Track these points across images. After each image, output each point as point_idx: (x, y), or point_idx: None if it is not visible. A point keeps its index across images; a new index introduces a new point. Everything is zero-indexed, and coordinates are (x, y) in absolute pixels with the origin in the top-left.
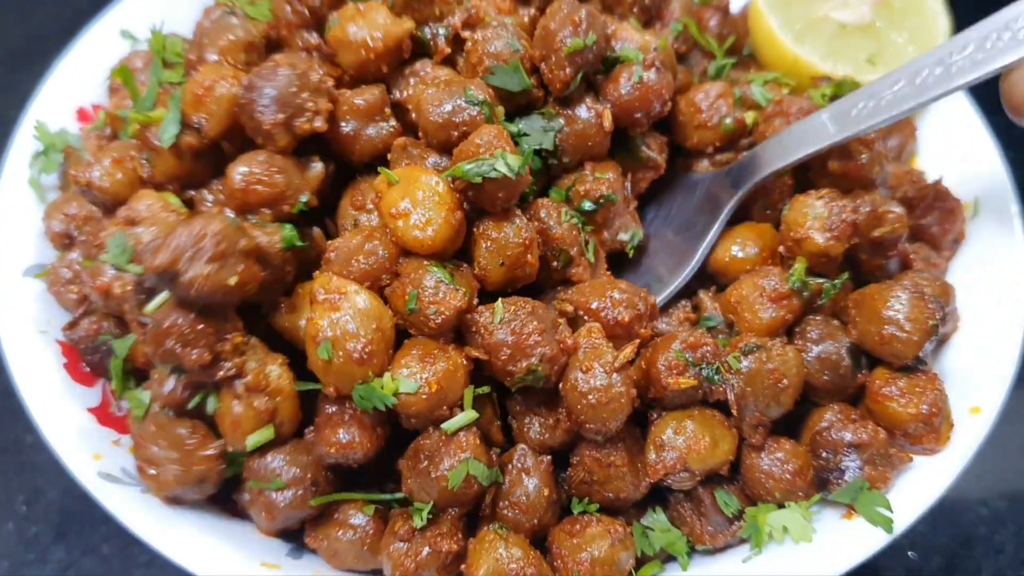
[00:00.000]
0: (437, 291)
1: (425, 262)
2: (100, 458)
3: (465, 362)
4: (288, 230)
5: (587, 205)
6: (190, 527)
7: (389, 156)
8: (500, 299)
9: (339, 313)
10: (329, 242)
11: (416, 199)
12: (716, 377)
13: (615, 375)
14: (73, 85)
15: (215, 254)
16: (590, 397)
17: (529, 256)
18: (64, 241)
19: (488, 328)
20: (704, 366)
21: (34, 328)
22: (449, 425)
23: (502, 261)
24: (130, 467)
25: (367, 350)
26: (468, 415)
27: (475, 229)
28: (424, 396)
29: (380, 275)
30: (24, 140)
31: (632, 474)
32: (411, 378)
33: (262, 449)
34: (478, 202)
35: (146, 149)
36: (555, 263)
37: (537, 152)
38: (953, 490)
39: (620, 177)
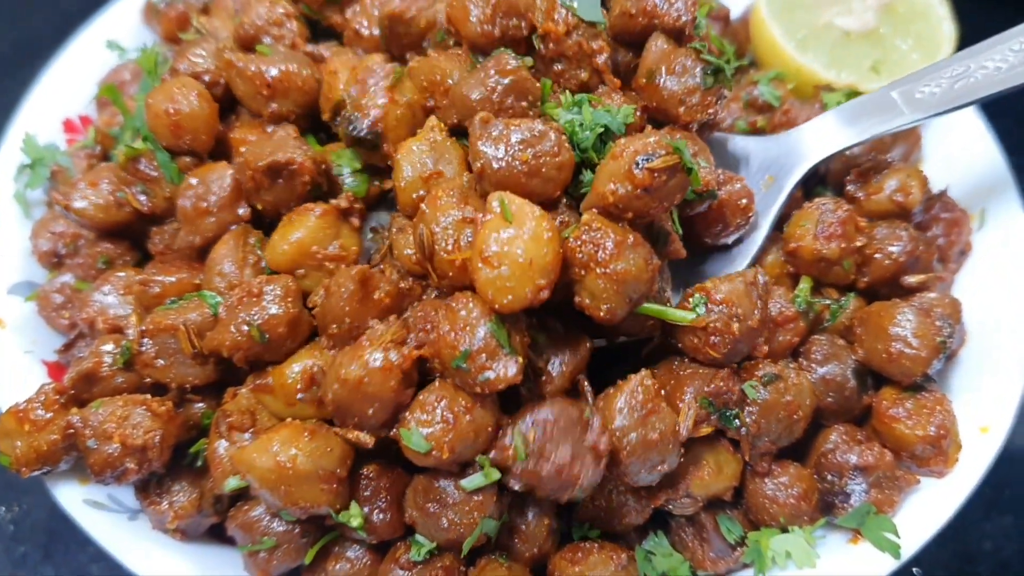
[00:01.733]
0: (493, 355)
1: (485, 319)
2: (87, 483)
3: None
4: None
5: None
6: (177, 556)
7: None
8: (524, 422)
9: None
10: None
11: (516, 254)
12: (735, 422)
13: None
14: (60, 96)
15: None
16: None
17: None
18: (52, 260)
19: (517, 462)
20: (726, 410)
21: (19, 348)
22: (469, 483)
23: (630, 298)
24: (117, 494)
25: None
26: (490, 475)
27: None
28: (434, 455)
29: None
30: (9, 152)
31: (635, 500)
32: (424, 428)
33: (246, 500)
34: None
35: (139, 180)
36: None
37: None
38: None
39: None
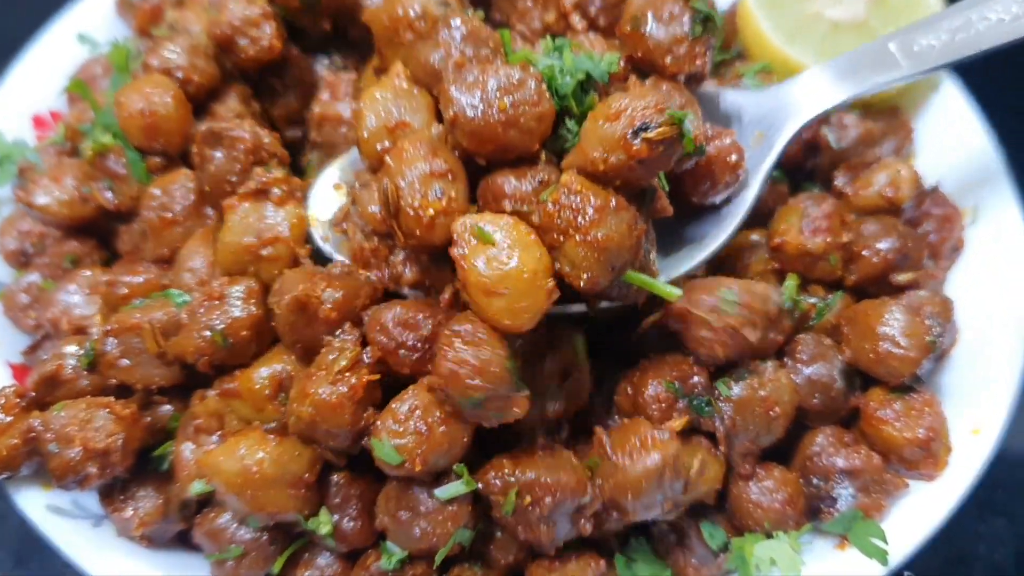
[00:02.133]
0: (507, 399)
1: (499, 348)
2: (50, 488)
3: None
4: None
5: None
6: (142, 562)
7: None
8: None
9: None
10: None
11: (516, 271)
12: (707, 409)
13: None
14: (29, 91)
15: None
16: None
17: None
18: (20, 259)
19: (507, 521)
20: (694, 397)
21: None
22: (443, 493)
23: (612, 266)
24: (81, 499)
25: None
26: (464, 485)
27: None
28: (406, 467)
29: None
30: None
31: None
32: (396, 439)
33: (213, 507)
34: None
35: (106, 177)
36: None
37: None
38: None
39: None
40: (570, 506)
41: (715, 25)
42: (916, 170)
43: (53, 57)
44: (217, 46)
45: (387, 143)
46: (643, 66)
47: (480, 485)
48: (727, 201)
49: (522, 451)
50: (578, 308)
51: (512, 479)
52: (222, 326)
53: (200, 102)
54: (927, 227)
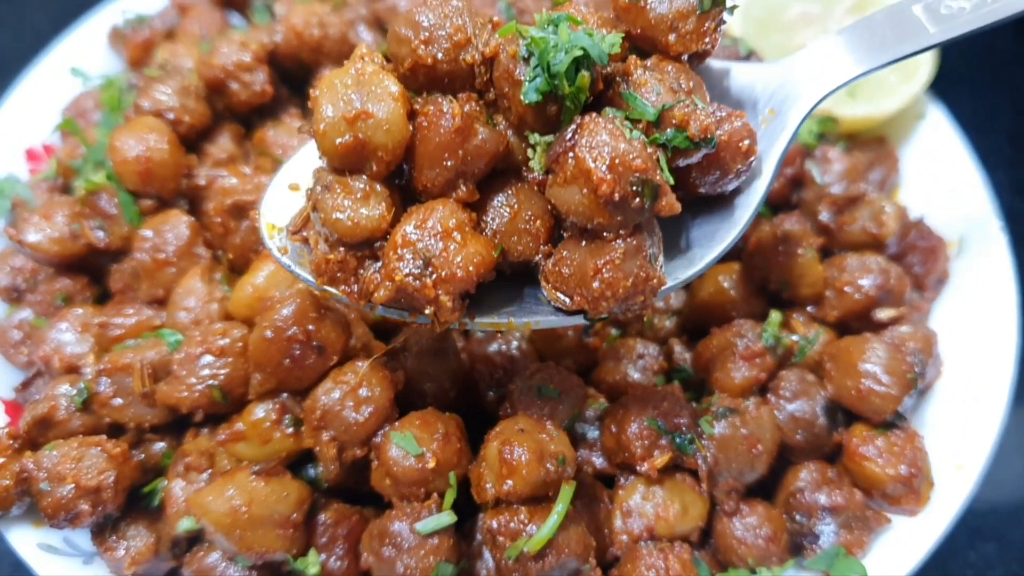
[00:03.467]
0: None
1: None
2: (41, 526)
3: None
4: None
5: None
6: None
7: None
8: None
9: None
10: None
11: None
12: (690, 448)
13: None
14: (21, 125)
15: None
16: None
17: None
18: (12, 295)
19: (505, 565)
20: (677, 434)
21: None
22: (424, 527)
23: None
24: (72, 537)
25: None
26: (446, 518)
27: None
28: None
29: None
30: None
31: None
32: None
33: (202, 545)
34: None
35: (97, 216)
36: (637, 200)
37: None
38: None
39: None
40: (570, 568)
41: None
42: (901, 205)
43: (45, 90)
44: (208, 88)
45: (348, 137)
46: (643, 44)
47: (494, 523)
48: (737, 191)
49: (539, 507)
50: (577, 321)
51: (525, 528)
52: (221, 381)
53: (192, 142)
54: (912, 259)
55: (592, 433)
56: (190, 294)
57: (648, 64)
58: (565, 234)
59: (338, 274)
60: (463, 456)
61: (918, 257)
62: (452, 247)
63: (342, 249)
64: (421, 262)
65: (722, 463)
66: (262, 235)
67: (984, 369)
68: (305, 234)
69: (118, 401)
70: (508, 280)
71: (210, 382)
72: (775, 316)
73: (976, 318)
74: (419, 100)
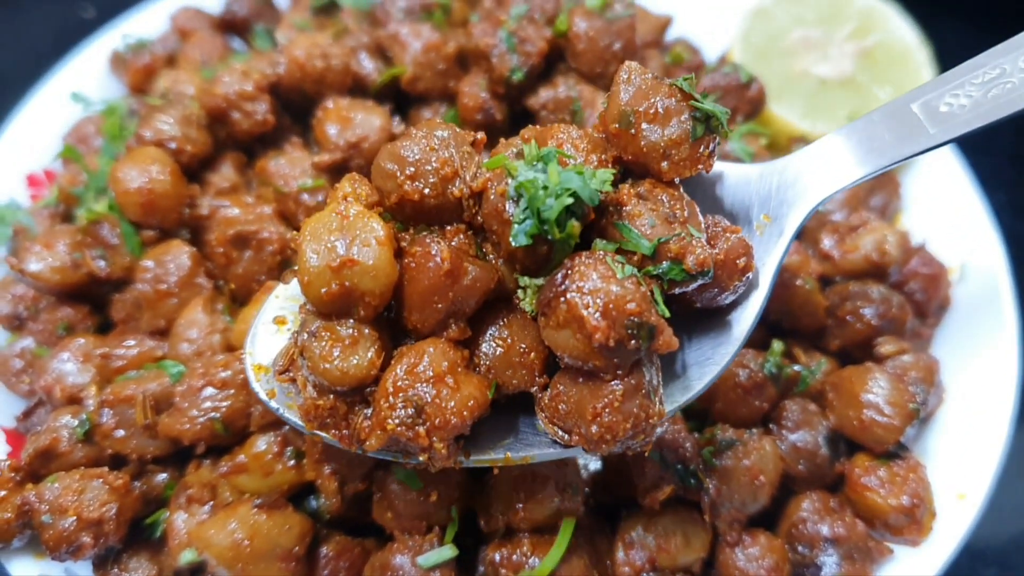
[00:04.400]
0: None
1: None
2: (42, 557)
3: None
4: None
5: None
6: None
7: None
8: None
9: None
10: None
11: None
12: (692, 481)
13: None
14: (22, 151)
15: None
16: None
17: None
18: (14, 323)
19: None
20: (680, 467)
21: None
22: (425, 561)
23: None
24: (73, 568)
25: None
26: (447, 552)
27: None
28: None
29: None
30: None
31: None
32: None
33: None
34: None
35: (99, 245)
36: (633, 342)
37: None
38: None
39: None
40: None
41: (719, 123)
42: (903, 232)
43: (47, 116)
44: (210, 117)
45: (334, 286)
46: (635, 168)
47: (497, 555)
48: (734, 303)
49: (541, 539)
50: (575, 453)
51: (528, 561)
52: (223, 414)
53: (194, 171)
54: (913, 286)
55: (594, 465)
56: (192, 325)
57: (641, 192)
58: (561, 363)
59: (328, 420)
60: (464, 489)
61: (920, 284)
62: (445, 392)
63: (332, 395)
64: (413, 410)
65: (724, 494)
66: (248, 377)
67: (986, 396)
68: (292, 375)
69: (120, 433)
70: (502, 409)
71: (212, 414)
72: (777, 346)
73: (978, 345)
74: (406, 236)
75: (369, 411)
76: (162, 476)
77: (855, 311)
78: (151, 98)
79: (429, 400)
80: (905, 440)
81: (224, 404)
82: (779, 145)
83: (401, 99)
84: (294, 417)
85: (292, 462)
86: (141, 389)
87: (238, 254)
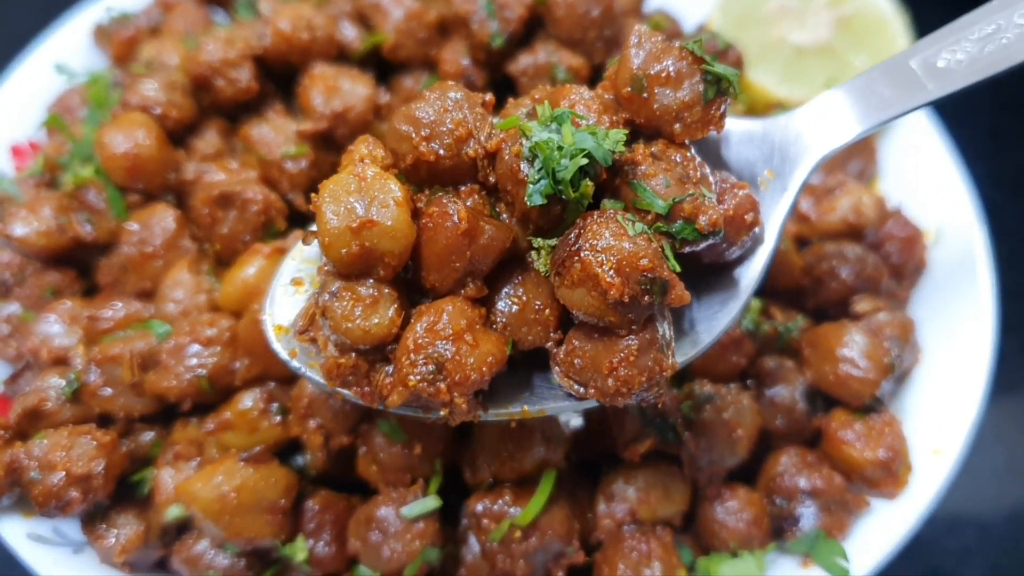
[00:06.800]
0: None
1: None
2: (31, 516)
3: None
4: None
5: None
6: None
7: None
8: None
9: None
10: None
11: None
12: (671, 435)
13: None
14: (7, 122)
15: None
16: None
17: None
18: (0, 290)
19: (490, 547)
20: (659, 421)
21: None
22: (409, 512)
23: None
24: (62, 527)
25: None
26: (431, 503)
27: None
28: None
29: None
30: None
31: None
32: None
33: (191, 533)
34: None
35: (84, 209)
36: (647, 298)
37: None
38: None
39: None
40: (554, 551)
41: (730, 85)
42: (879, 195)
43: (31, 87)
44: (194, 84)
45: (354, 246)
46: (647, 131)
47: (479, 506)
48: (740, 258)
49: (523, 490)
50: (590, 405)
51: (509, 510)
52: (208, 371)
53: (178, 137)
54: (889, 248)
55: (576, 422)
56: (178, 286)
57: (655, 152)
58: (575, 320)
59: (349, 377)
60: (448, 443)
61: (895, 246)
62: (464, 349)
63: (353, 354)
64: (434, 366)
65: (703, 447)
66: (269, 338)
67: (961, 357)
68: (312, 335)
69: (108, 391)
70: (518, 365)
71: (198, 371)
72: (754, 303)
73: (953, 306)
74: (422, 197)
75: (390, 368)
76: (149, 435)
77: (831, 271)
78: (136, 66)
79: (449, 357)
80: (881, 396)
81: (210, 360)
82: (756, 112)
83: (383, 66)
84: (316, 376)
85: (277, 418)
86: (128, 348)
87: (223, 214)
